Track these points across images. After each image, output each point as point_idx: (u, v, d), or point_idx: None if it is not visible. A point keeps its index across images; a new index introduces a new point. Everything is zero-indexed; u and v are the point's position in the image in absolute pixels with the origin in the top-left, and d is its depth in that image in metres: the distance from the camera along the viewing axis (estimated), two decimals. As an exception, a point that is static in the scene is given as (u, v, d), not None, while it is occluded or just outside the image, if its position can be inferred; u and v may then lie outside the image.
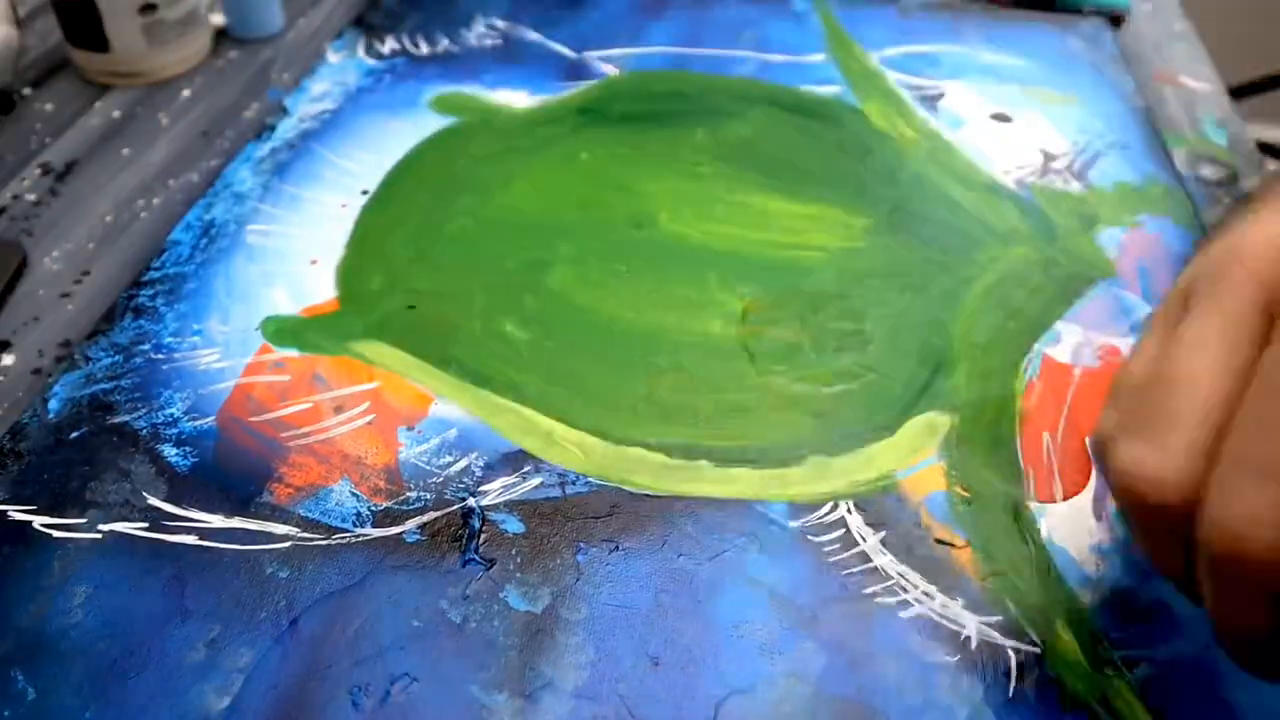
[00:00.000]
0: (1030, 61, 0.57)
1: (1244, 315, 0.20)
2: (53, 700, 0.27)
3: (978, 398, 0.36)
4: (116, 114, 0.52)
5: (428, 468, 0.34)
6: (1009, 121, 0.52)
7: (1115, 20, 0.61)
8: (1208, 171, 0.49)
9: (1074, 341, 0.39)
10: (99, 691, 0.28)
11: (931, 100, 0.53)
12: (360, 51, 0.56)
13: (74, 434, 0.34)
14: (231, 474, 0.33)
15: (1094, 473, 0.34)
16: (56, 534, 0.31)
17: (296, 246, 0.43)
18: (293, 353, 0.38)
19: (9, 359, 0.38)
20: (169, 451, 0.34)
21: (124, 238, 0.44)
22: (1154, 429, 0.21)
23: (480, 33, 0.58)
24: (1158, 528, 0.21)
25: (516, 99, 0.52)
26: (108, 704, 0.27)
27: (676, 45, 0.57)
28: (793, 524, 0.32)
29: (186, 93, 0.54)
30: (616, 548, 0.31)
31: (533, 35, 0.58)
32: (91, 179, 0.48)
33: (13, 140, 0.50)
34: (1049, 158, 0.49)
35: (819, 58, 0.56)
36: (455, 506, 0.32)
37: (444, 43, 0.57)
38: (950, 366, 0.38)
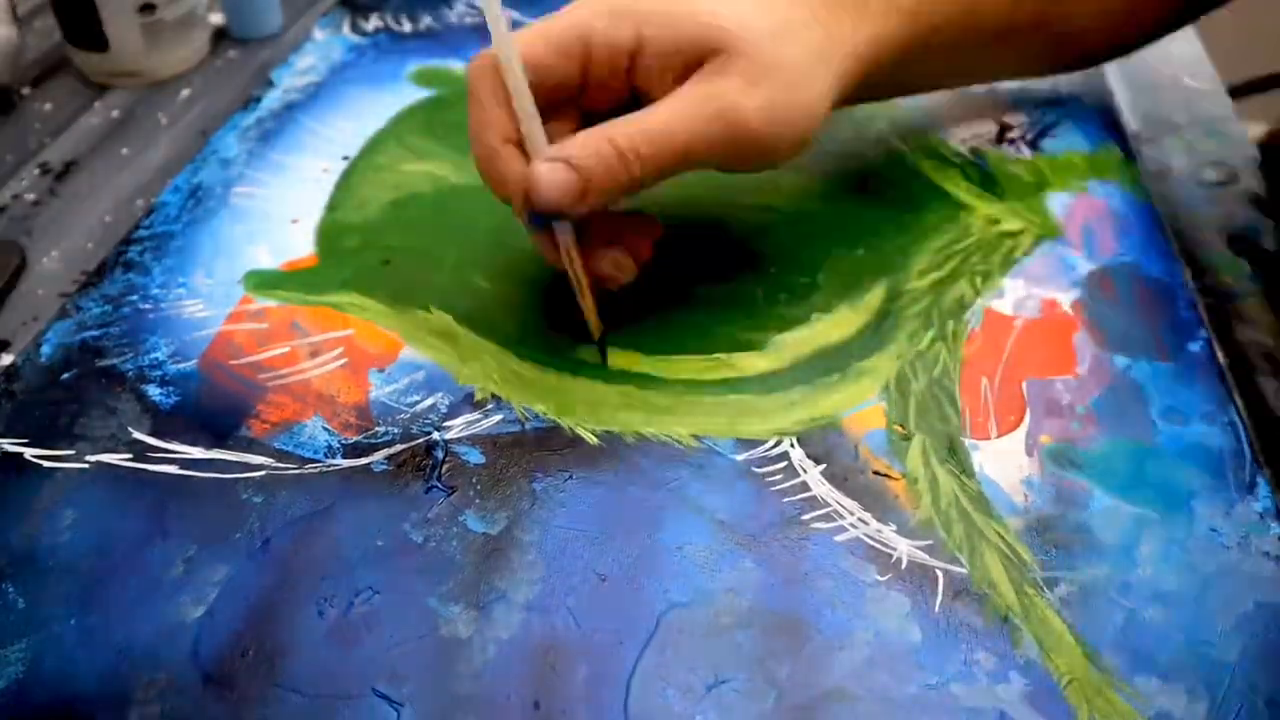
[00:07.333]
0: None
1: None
2: (41, 610, 0.29)
3: (922, 345, 0.38)
4: (116, 114, 0.53)
5: (396, 406, 0.36)
6: (970, 92, 0.53)
7: None
8: (1207, 172, 0.49)
9: (1017, 295, 0.41)
10: (83, 601, 0.30)
11: (895, 74, 0.55)
12: (345, 29, 0.58)
13: (65, 375, 0.37)
14: (211, 411, 0.35)
15: (1028, 412, 0.36)
16: (46, 464, 0.34)
17: (278, 208, 0.45)
18: (272, 303, 0.40)
19: (8, 358, 0.38)
20: (153, 391, 0.36)
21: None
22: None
23: (461, 11, 0.60)
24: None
25: (495, 73, 0.54)
26: (91, 612, 0.29)
27: (651, 23, 0.59)
28: (738, 457, 0.34)
29: (185, 93, 0.55)
30: (570, 477, 0.33)
31: (513, 15, 0.60)
32: (90, 179, 0.48)
33: (12, 140, 0.51)
34: (1005, 128, 0.51)
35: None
36: (420, 440, 0.35)
37: (426, 20, 0.59)
38: (897, 317, 0.40)
